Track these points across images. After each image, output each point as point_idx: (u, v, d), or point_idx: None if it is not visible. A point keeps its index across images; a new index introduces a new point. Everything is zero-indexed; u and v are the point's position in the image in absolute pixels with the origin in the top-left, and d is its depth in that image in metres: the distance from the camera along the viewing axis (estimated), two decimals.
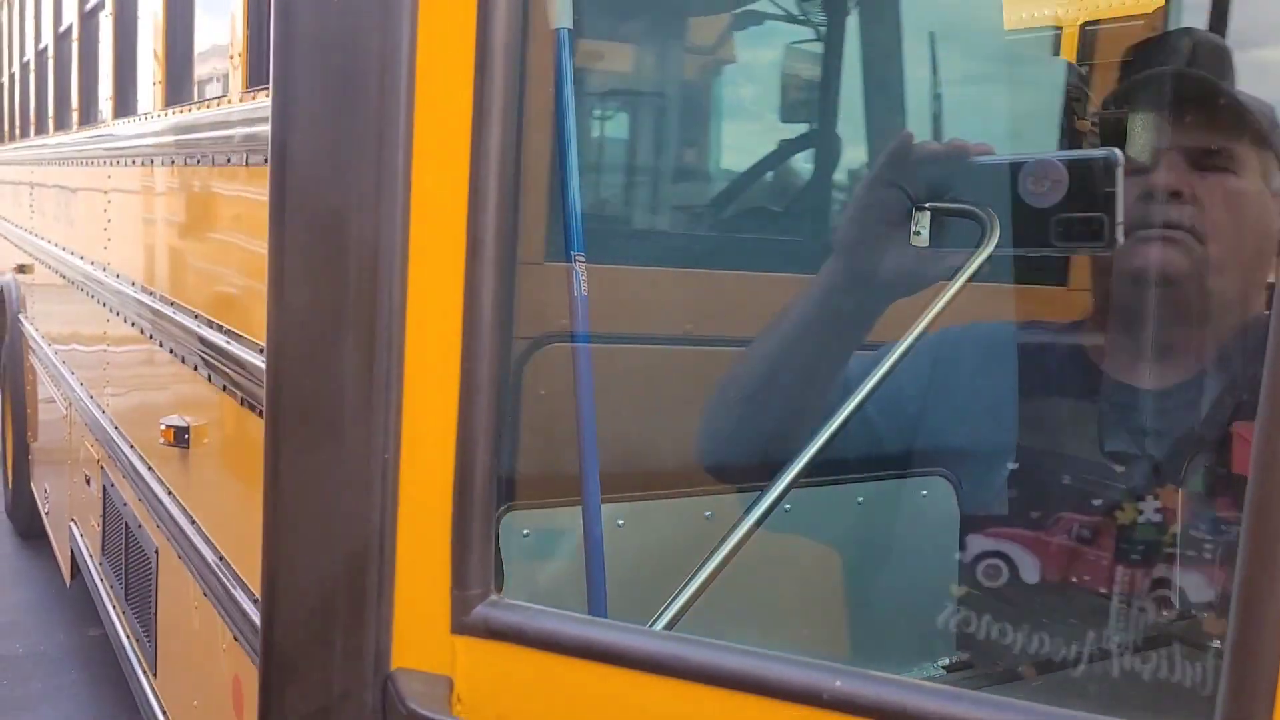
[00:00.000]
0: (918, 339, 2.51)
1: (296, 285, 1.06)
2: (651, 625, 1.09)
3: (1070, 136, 3.63)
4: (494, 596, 1.04)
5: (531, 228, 2.10)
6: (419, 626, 1.05)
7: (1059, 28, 6.14)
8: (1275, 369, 0.74)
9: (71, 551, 5.88)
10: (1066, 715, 0.83)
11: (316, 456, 1.06)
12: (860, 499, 2.73)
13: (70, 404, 5.78)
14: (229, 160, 3.07)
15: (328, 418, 1.04)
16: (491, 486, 1.01)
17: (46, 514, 7.02)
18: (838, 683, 0.86)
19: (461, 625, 1.02)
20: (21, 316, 7.85)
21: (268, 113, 2.89)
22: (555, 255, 2.74)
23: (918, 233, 2.76)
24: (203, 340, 3.27)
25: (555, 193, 2.13)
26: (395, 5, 0.97)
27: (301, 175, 1.06)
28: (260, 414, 2.79)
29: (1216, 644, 2.92)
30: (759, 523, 2.15)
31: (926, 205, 2.73)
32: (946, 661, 2.43)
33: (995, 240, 2.63)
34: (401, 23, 0.97)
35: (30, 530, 7.68)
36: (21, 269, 7.93)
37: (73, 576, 6.01)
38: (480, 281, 0.99)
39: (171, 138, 3.72)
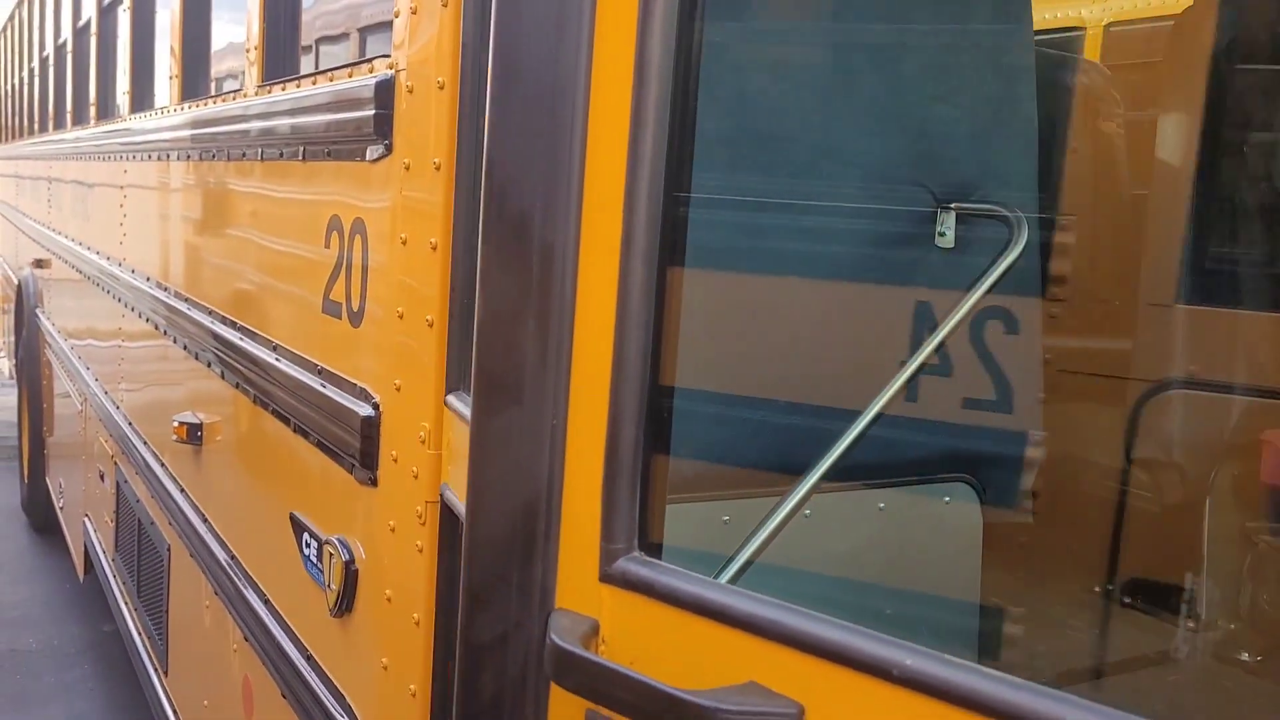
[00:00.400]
0: (945, 338, 2.47)
1: (493, 276, 1.24)
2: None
3: (1096, 138, 3.57)
4: (636, 553, 1.16)
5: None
6: (576, 572, 1.20)
7: (1083, 28, 6.08)
8: None
9: (85, 547, 5.88)
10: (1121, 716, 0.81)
11: (504, 417, 1.23)
12: (881, 505, 2.69)
13: (85, 399, 5.78)
14: (244, 155, 3.04)
15: (512, 386, 1.22)
16: (636, 456, 1.15)
17: (61, 509, 7.03)
18: (908, 660, 0.93)
19: (606, 575, 1.17)
20: (39, 311, 7.87)
21: (283, 107, 2.85)
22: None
23: (942, 234, 2.72)
24: (216, 337, 3.24)
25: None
26: (574, 47, 1.15)
27: (500, 182, 1.23)
28: (273, 412, 2.76)
29: (1244, 656, 2.86)
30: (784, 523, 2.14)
31: (952, 205, 2.69)
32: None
33: (1023, 243, 2.58)
34: (578, 63, 1.16)
35: (45, 525, 7.70)
36: (39, 264, 7.95)
37: (86, 572, 6.01)
38: (630, 276, 1.13)
39: (187, 132, 3.70)
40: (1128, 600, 3.17)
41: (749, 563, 2.07)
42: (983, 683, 0.91)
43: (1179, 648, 2.99)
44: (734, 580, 1.66)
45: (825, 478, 2.30)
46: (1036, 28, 6.32)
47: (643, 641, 1.14)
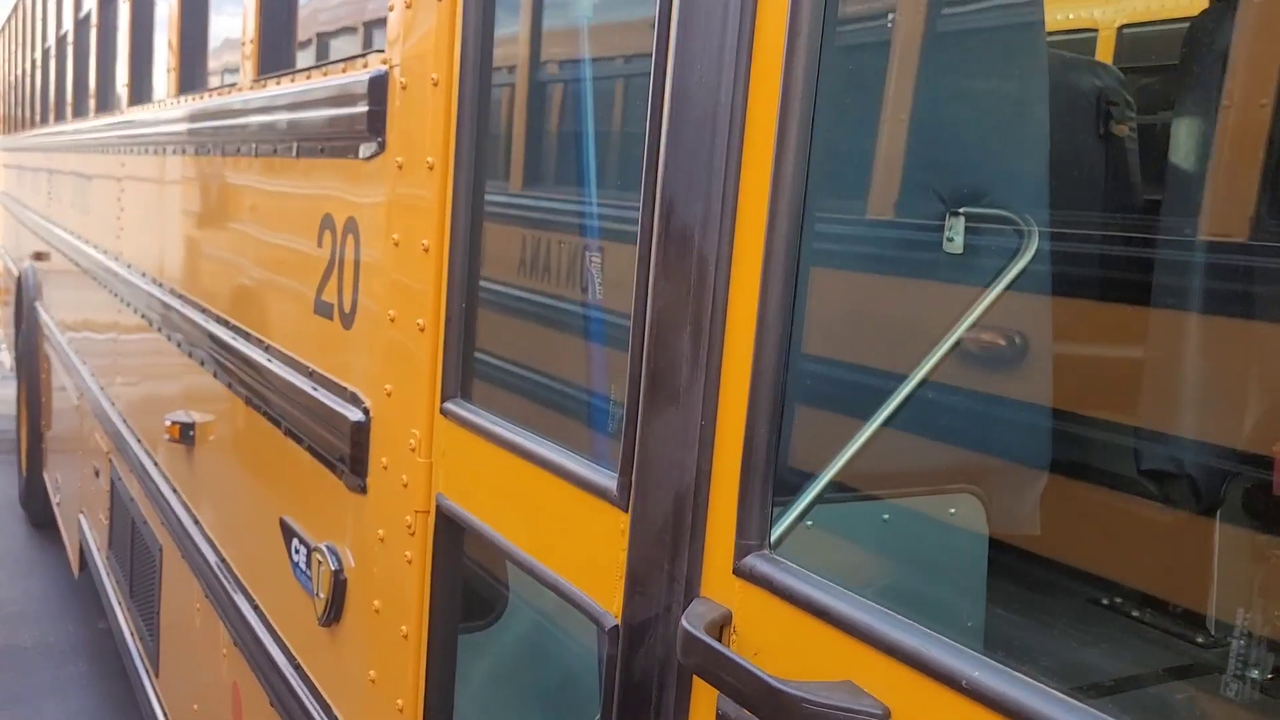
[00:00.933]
0: (953, 348, 2.41)
1: (660, 285, 1.31)
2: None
3: (1108, 141, 3.50)
4: (766, 550, 1.22)
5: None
6: (717, 564, 1.28)
7: (1095, 30, 6.02)
8: None
9: (80, 544, 5.83)
10: None
11: (664, 417, 1.31)
12: (886, 516, 2.63)
13: (81, 394, 5.73)
14: (239, 150, 2.98)
15: (671, 387, 1.31)
16: (770, 462, 1.21)
17: (58, 504, 6.98)
18: (976, 673, 0.97)
19: (738, 569, 1.23)
20: (38, 304, 7.82)
21: (277, 102, 2.79)
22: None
23: (951, 239, 2.65)
24: (209, 335, 3.19)
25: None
26: (732, 75, 1.23)
27: (669, 198, 1.30)
28: (264, 414, 2.70)
29: (1255, 674, 2.80)
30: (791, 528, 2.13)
31: (961, 210, 2.63)
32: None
33: (1034, 249, 2.52)
34: (738, 88, 1.24)
35: (42, 520, 7.65)
36: (39, 256, 7.90)
37: (81, 569, 5.96)
38: (769, 289, 1.19)
39: (183, 126, 3.64)
40: (1135, 614, 3.12)
41: None
42: (1042, 702, 0.92)
43: (1188, 663, 2.94)
44: None
45: (830, 488, 2.26)
46: (1048, 29, 6.23)
47: (767, 634, 1.21)
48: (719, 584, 1.27)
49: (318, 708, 2.29)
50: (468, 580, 2.05)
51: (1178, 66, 3.25)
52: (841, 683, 1.08)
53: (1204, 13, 3.26)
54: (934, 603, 2.74)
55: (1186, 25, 3.31)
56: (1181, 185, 3.13)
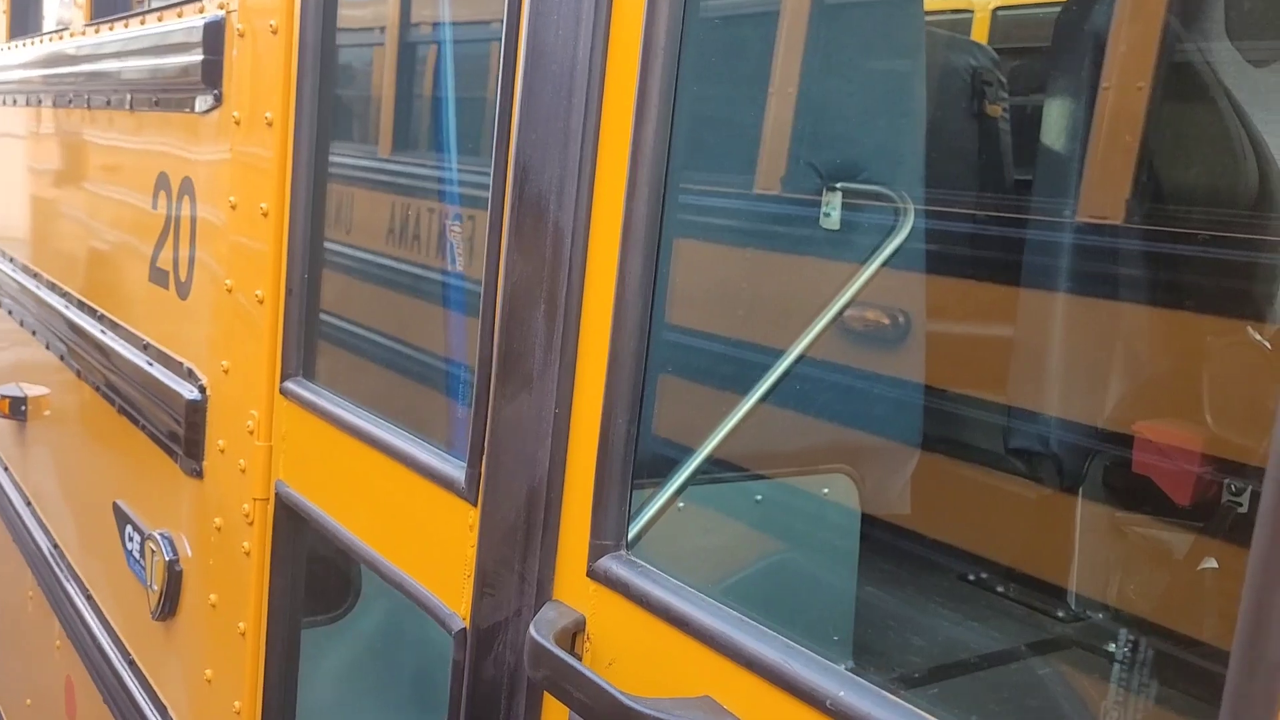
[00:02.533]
0: (830, 323, 2.37)
1: (513, 258, 1.19)
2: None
3: (982, 120, 3.51)
4: (623, 552, 1.13)
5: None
6: (571, 565, 1.18)
7: (971, 11, 6.09)
8: None
9: None
10: None
11: (516, 404, 1.21)
12: (759, 497, 2.59)
13: None
14: (70, 101, 2.73)
15: (523, 371, 1.20)
16: (629, 456, 1.11)
17: None
18: (841, 692, 0.91)
19: (593, 571, 1.14)
20: None
21: (110, 49, 2.55)
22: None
23: (828, 214, 2.61)
24: (40, 303, 2.93)
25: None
26: (590, 30, 1.14)
27: (522, 162, 1.19)
28: (98, 390, 2.49)
29: (1111, 647, 2.86)
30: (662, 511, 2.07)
31: (838, 186, 2.58)
32: (843, 668, 2.31)
33: (909, 226, 2.49)
34: (595, 45, 1.14)
35: None
36: None
37: None
38: (628, 265, 1.09)
39: (14, 74, 3.34)
40: (1001, 590, 3.16)
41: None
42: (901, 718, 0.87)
43: (1050, 638, 2.99)
44: None
45: (703, 469, 2.19)
46: (927, 8, 6.29)
47: (623, 642, 1.12)
48: (573, 586, 1.17)
49: (153, 707, 2.12)
50: (316, 569, 1.91)
51: (1050, 49, 3.26)
52: (700, 699, 0.99)
53: None
54: (807, 583, 2.71)
55: (1059, 8, 3.33)
56: (1055, 167, 3.15)
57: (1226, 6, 2.80)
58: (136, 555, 2.20)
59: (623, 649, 1.10)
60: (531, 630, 1.10)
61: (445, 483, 1.30)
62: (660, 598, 1.05)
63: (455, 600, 1.28)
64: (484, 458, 1.22)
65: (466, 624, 1.25)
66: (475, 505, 1.24)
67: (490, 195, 1.21)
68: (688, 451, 2.15)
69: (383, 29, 3.15)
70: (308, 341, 1.66)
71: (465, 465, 1.26)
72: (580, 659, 1.11)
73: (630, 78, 1.07)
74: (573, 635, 1.13)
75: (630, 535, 1.14)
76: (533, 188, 1.17)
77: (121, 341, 2.32)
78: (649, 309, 1.09)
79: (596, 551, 1.13)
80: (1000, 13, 5.90)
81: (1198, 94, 2.81)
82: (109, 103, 2.45)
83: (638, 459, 1.15)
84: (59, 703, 2.85)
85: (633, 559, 1.13)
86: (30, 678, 3.23)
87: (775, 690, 0.94)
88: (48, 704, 2.98)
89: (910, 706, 0.86)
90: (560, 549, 1.19)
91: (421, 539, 1.38)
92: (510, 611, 1.21)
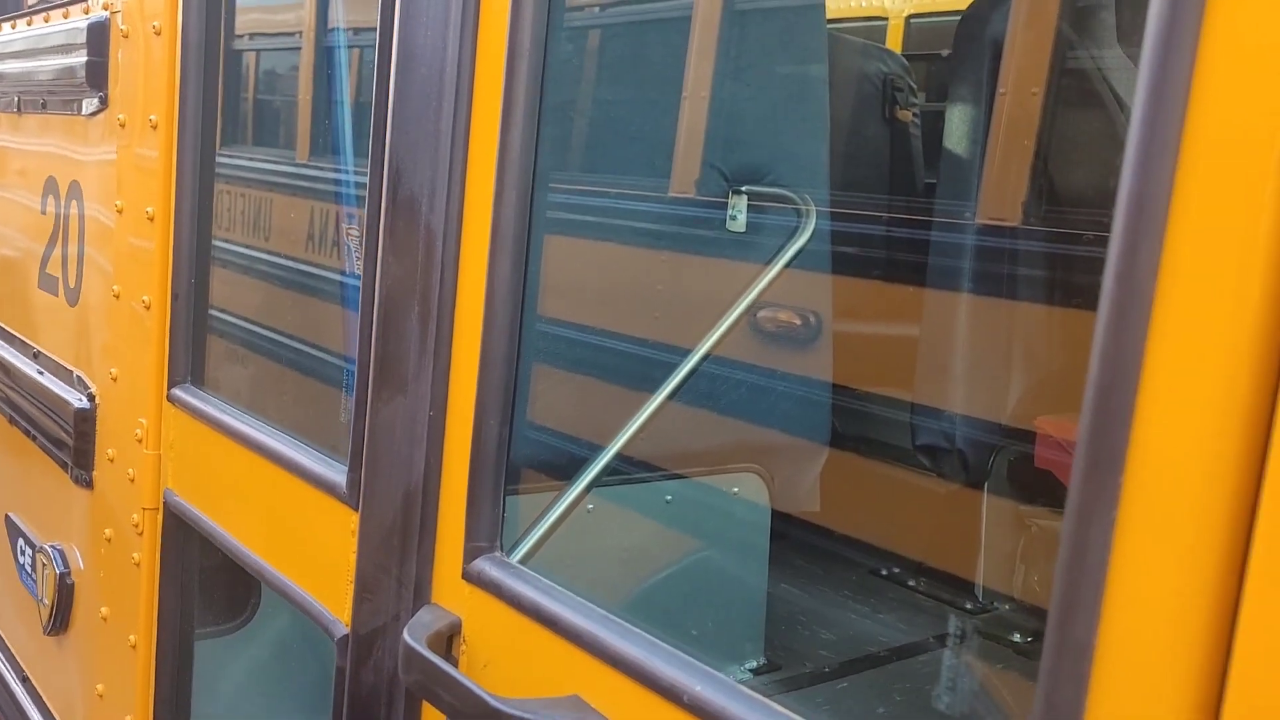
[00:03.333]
0: (732, 326, 2.40)
1: (388, 260, 1.20)
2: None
3: (892, 125, 3.58)
4: (496, 552, 1.15)
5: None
6: (447, 567, 1.19)
7: (885, 18, 6.20)
8: (1098, 378, 0.61)
9: None
10: None
11: (391, 407, 1.22)
12: (669, 497, 2.61)
13: None
14: None
15: (398, 374, 1.21)
16: (501, 457, 1.13)
17: None
18: (698, 687, 0.92)
19: (467, 573, 1.15)
20: None
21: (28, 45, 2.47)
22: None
23: (734, 217, 2.65)
24: None
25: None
26: (458, 33, 1.16)
27: (395, 164, 1.20)
28: (1, 412, 2.42)
29: (1016, 638, 2.93)
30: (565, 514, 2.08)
31: (744, 189, 2.62)
32: (754, 664, 2.34)
33: (811, 228, 2.54)
34: (464, 47, 1.16)
35: None
36: None
37: None
38: (498, 266, 1.10)
39: None
40: (911, 584, 3.22)
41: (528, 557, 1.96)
42: (753, 712, 0.88)
43: (957, 630, 3.05)
44: None
45: (610, 470, 2.20)
46: (842, 15, 6.39)
47: (498, 643, 1.13)
48: (449, 589, 1.17)
49: None
50: (214, 578, 1.88)
51: (952, 55, 3.34)
52: (568, 698, 1.00)
53: (974, 4, 3.37)
54: (718, 581, 2.73)
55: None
56: (956, 170, 3.22)
57: (1118, 13, 2.89)
58: (29, 569, 2.14)
59: (498, 650, 1.11)
60: (405, 634, 1.10)
61: (328, 488, 1.29)
62: (531, 598, 1.06)
63: (339, 607, 1.27)
64: (364, 462, 1.22)
65: (349, 630, 1.24)
66: (356, 509, 1.24)
67: (368, 197, 1.21)
68: (589, 450, 2.16)
69: (294, 34, 3.12)
70: (195, 347, 1.63)
71: (346, 470, 1.25)
72: (456, 662, 1.12)
73: (498, 81, 1.08)
74: (448, 638, 1.13)
75: (516, 538, 1.15)
76: (405, 189, 1.17)
77: (11, 350, 2.26)
78: (519, 310, 1.10)
79: (471, 553, 1.13)
80: (913, 21, 6.02)
81: (1090, 99, 2.89)
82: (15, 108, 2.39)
83: (515, 460, 1.16)
84: None
85: (506, 560, 1.14)
86: None
87: (638, 687, 0.95)
88: None
89: (760, 698, 0.88)
90: (437, 552, 1.19)
91: (306, 545, 1.37)
92: (389, 616, 1.21)
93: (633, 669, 0.95)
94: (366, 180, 1.22)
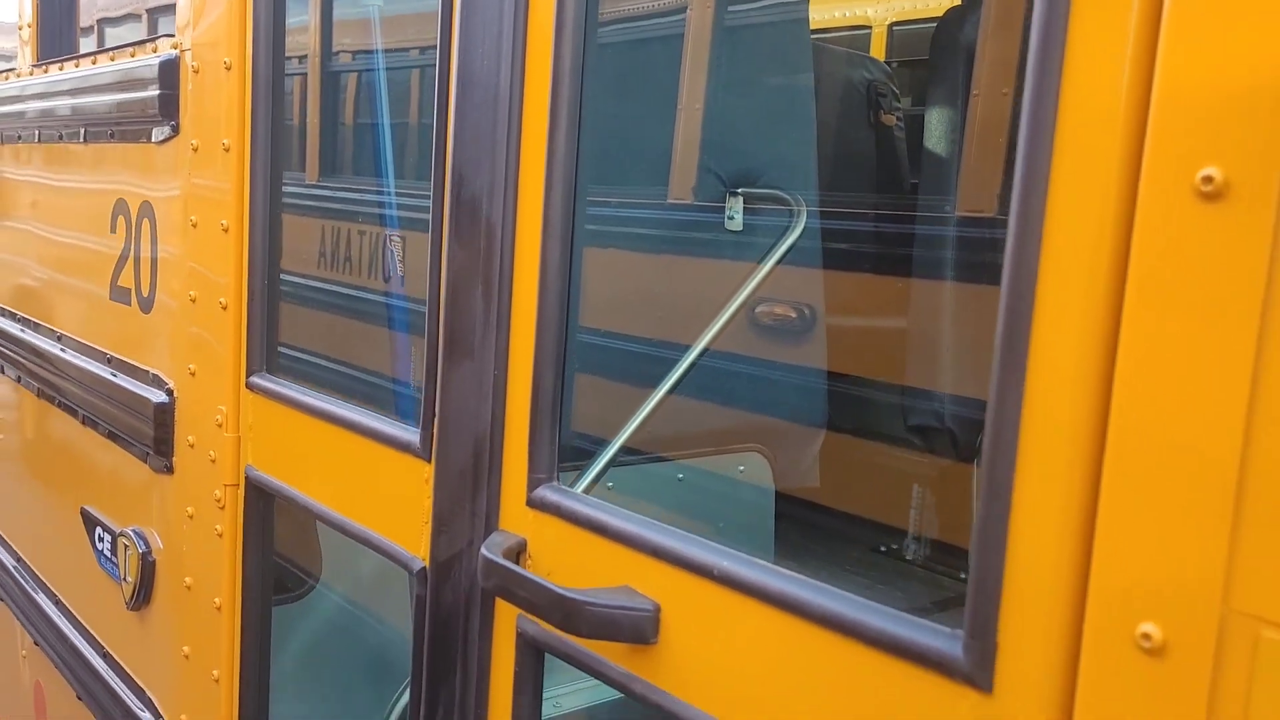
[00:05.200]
0: (729, 320, 2.63)
1: (454, 250, 1.45)
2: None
3: (878, 129, 3.82)
4: (554, 482, 1.39)
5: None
6: (512, 499, 1.43)
7: (869, 27, 6.45)
8: (1005, 333, 0.85)
9: None
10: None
11: (460, 370, 1.46)
12: (680, 476, 2.83)
13: None
14: (19, 138, 2.89)
15: (465, 343, 1.45)
16: (557, 403, 1.38)
17: None
18: (724, 562, 1.16)
19: (531, 500, 1.39)
20: None
21: (64, 87, 2.73)
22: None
23: (731, 217, 2.88)
24: (7, 334, 3.07)
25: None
26: (509, 60, 1.41)
27: (458, 170, 1.44)
28: (59, 405, 2.65)
29: None
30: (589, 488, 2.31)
31: (740, 190, 2.85)
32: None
33: (802, 225, 2.77)
34: (515, 71, 1.41)
35: None
36: None
37: None
38: (548, 258, 1.35)
39: None
40: (910, 558, 3.43)
41: None
42: (765, 576, 1.12)
43: (955, 597, 3.25)
44: None
45: (625, 450, 2.43)
46: (827, 25, 6.61)
47: (558, 555, 1.35)
48: (515, 516, 1.40)
49: (129, 693, 2.29)
50: (280, 558, 2.11)
51: (929, 60, 3.56)
52: (620, 588, 1.24)
53: (949, 11, 3.61)
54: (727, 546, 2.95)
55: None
56: (936, 168, 3.46)
57: None
58: (108, 554, 2.37)
59: (558, 560, 1.35)
60: (483, 550, 1.36)
61: (401, 446, 1.53)
62: (586, 513, 1.31)
63: (415, 545, 1.51)
64: (435, 420, 1.46)
65: (426, 563, 1.48)
66: (429, 462, 1.48)
67: (431, 201, 1.45)
68: (614, 430, 2.39)
69: (300, 58, 3.35)
70: (269, 340, 1.87)
71: (419, 429, 1.49)
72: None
73: (543, 95, 1.32)
74: (516, 554, 1.37)
75: (568, 481, 1.39)
76: (468, 192, 1.42)
77: (84, 358, 2.49)
78: (566, 284, 1.35)
79: (534, 484, 1.37)
80: (896, 28, 6.26)
81: None
82: (61, 137, 2.63)
83: (564, 427, 1.40)
84: (28, 709, 2.98)
85: (563, 488, 1.38)
86: None
87: (676, 570, 1.19)
88: (16, 712, 3.11)
89: (779, 569, 1.11)
90: (504, 488, 1.43)
91: (382, 497, 1.60)
92: (464, 543, 1.45)
93: (671, 556, 1.19)
94: (429, 191, 1.46)
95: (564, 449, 2.57)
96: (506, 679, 1.40)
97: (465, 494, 1.44)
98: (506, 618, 1.41)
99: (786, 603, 1.08)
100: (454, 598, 1.45)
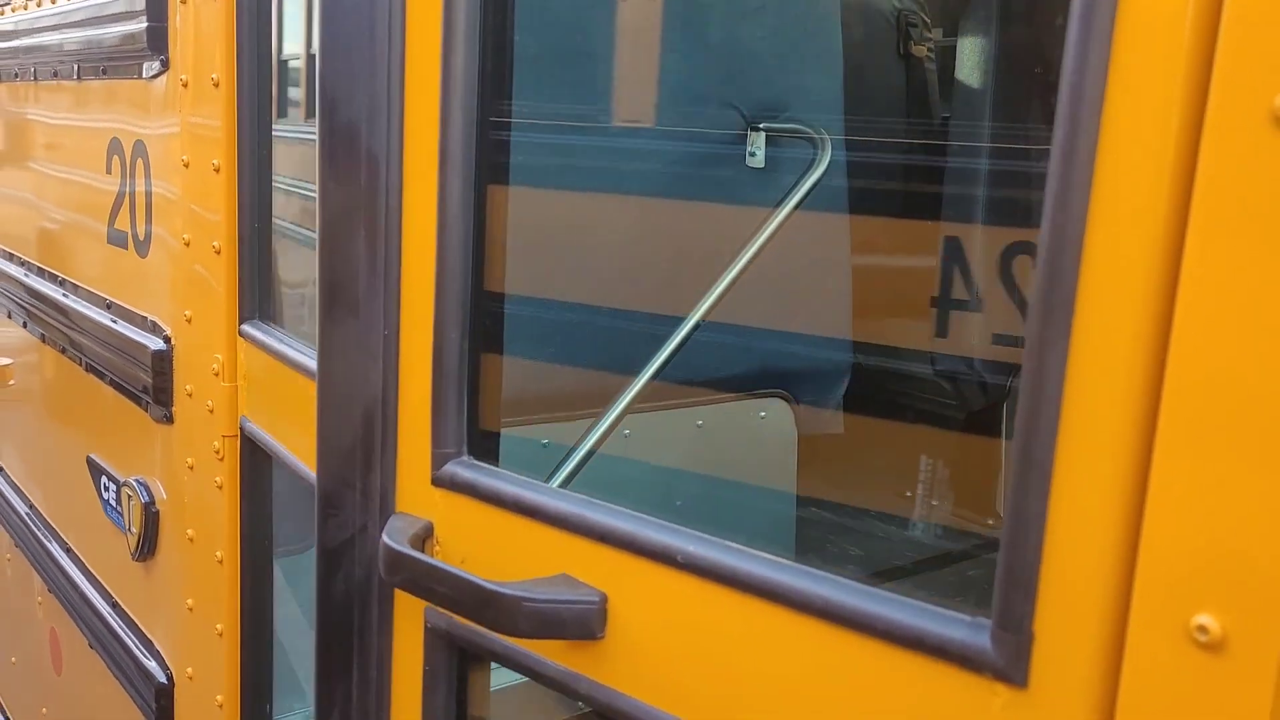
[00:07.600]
0: (751, 261, 2.52)
1: (328, 187, 1.25)
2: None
3: (907, 60, 3.65)
4: (464, 456, 1.21)
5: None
6: (412, 477, 1.25)
7: None
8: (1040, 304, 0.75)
9: None
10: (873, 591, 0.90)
11: (343, 329, 1.26)
12: (700, 422, 2.75)
13: None
14: (16, 76, 2.81)
15: (348, 297, 1.24)
16: (462, 363, 1.19)
17: None
18: (690, 547, 1.00)
19: (437, 478, 1.21)
20: None
21: (51, 21, 2.62)
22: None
23: (753, 153, 2.76)
24: (12, 279, 3.02)
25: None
26: None
27: (330, 94, 1.24)
28: (63, 351, 2.60)
29: None
30: (602, 439, 2.22)
31: (761, 126, 2.73)
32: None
33: (828, 160, 2.65)
34: None
35: None
36: None
37: None
38: (448, 195, 1.14)
39: None
40: (935, 503, 3.36)
41: (569, 480, 2.11)
42: (745, 563, 0.98)
43: (982, 542, 3.18)
44: None
45: (643, 396, 2.34)
46: None
47: (472, 540, 1.19)
48: (417, 496, 1.24)
49: (137, 642, 2.26)
50: (281, 510, 2.04)
51: None
52: (557, 577, 1.09)
53: None
54: (749, 498, 2.88)
55: None
56: (968, 100, 3.30)
57: None
58: (113, 503, 2.32)
59: (472, 546, 1.18)
60: (385, 539, 1.18)
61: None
62: (511, 492, 1.14)
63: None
64: (319, 383, 1.30)
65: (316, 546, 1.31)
66: None
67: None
68: (616, 379, 2.30)
69: None
70: (261, 286, 1.79)
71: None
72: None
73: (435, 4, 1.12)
74: (422, 540, 1.21)
75: (477, 442, 1.19)
76: (342, 117, 1.21)
77: (85, 303, 2.43)
78: (470, 226, 1.16)
79: (440, 459, 1.20)
80: None
81: None
82: (55, 74, 2.54)
83: (481, 372, 1.22)
84: (44, 656, 2.97)
85: (478, 463, 1.21)
86: (14, 636, 3.35)
87: (628, 556, 1.03)
88: (33, 659, 3.11)
89: (752, 551, 0.98)
90: (401, 464, 1.26)
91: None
92: (355, 528, 1.27)
93: (623, 540, 1.03)
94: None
95: (570, 393, 2.47)
96: (414, 678, 1.25)
97: (354, 471, 1.25)
98: (410, 612, 1.25)
99: (770, 591, 0.94)
100: (346, 588, 1.29)
